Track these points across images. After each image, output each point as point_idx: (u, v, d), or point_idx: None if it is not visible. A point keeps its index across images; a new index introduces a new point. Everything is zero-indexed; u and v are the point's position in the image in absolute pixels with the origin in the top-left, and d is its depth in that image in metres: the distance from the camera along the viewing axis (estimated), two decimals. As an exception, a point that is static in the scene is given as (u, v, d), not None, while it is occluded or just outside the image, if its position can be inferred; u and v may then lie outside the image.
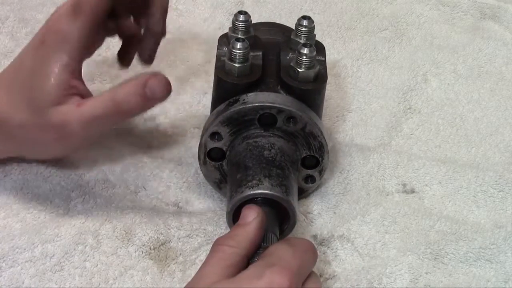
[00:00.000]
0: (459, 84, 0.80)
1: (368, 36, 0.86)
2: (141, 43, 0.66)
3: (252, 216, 0.54)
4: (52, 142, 0.59)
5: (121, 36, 0.68)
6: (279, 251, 0.52)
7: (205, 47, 0.81)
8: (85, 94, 0.59)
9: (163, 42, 0.83)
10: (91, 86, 0.76)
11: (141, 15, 0.65)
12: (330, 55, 0.82)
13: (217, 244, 0.53)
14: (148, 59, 0.67)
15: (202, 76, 0.78)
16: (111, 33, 0.67)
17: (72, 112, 0.57)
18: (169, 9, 0.87)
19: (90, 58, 0.79)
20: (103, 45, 0.81)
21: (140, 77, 0.57)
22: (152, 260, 0.60)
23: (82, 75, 0.77)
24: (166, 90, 0.57)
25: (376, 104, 0.77)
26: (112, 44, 0.81)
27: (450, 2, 0.91)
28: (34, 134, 0.58)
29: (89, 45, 0.61)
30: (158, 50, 0.81)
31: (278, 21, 0.72)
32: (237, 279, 0.50)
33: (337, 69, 0.81)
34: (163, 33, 0.66)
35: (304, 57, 0.60)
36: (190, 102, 0.75)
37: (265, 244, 0.54)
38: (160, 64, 0.79)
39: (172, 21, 0.85)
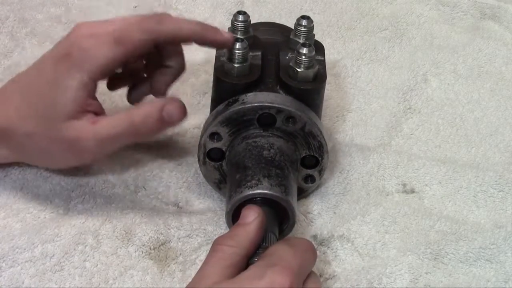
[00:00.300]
0: (459, 84, 0.80)
1: (368, 36, 0.86)
2: (157, 76, 0.64)
3: (252, 216, 0.54)
4: (62, 154, 0.59)
5: (129, 75, 0.66)
6: (280, 251, 0.52)
7: (205, 47, 0.81)
8: (99, 112, 0.59)
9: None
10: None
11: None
12: (330, 55, 0.82)
13: (217, 243, 0.53)
14: (163, 92, 0.64)
15: (202, 76, 0.78)
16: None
17: (87, 128, 0.57)
18: (169, 9, 0.88)
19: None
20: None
21: (158, 101, 0.59)
22: (152, 260, 0.60)
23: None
24: (182, 114, 0.59)
25: (376, 104, 0.77)
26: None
27: (450, 2, 0.91)
28: (42, 145, 0.58)
29: (111, 73, 0.61)
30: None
31: (278, 21, 0.72)
32: (238, 279, 0.50)
33: (337, 69, 0.81)
34: (183, 68, 0.65)
35: (303, 57, 0.60)
36: (190, 102, 0.75)
37: (264, 244, 0.54)
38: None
39: (172, 21, 0.85)
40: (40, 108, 0.57)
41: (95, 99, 0.59)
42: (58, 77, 0.57)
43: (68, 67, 0.57)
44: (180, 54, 0.63)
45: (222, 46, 0.61)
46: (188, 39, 0.60)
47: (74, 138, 0.57)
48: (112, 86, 0.66)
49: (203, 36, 0.59)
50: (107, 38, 0.56)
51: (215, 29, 0.60)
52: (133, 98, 0.66)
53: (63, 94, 0.56)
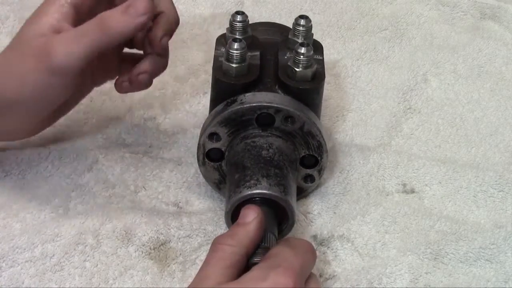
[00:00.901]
0: (459, 84, 0.80)
1: (368, 36, 0.86)
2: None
3: (251, 216, 0.54)
4: (35, 76, 0.57)
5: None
6: (282, 252, 0.52)
7: (205, 47, 0.81)
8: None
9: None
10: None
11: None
12: (330, 55, 0.82)
13: (217, 243, 0.53)
14: (159, 38, 0.62)
15: (202, 76, 0.78)
16: None
17: (55, 37, 0.57)
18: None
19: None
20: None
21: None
22: (152, 260, 0.60)
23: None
24: (148, 7, 0.57)
25: (376, 104, 0.77)
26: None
27: (450, 2, 0.91)
28: (15, 66, 0.58)
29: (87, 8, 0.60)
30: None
31: (278, 21, 0.72)
32: (242, 281, 0.50)
33: (337, 69, 0.81)
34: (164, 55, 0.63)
35: (302, 56, 0.60)
36: (190, 102, 0.75)
37: (264, 244, 0.54)
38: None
39: (172, 21, 0.85)
40: (21, 33, 0.59)
41: (72, 25, 0.58)
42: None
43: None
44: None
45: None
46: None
47: (43, 44, 0.57)
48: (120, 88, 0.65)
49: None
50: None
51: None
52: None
53: (40, 15, 0.58)
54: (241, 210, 0.55)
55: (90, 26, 0.57)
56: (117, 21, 0.57)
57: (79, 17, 0.59)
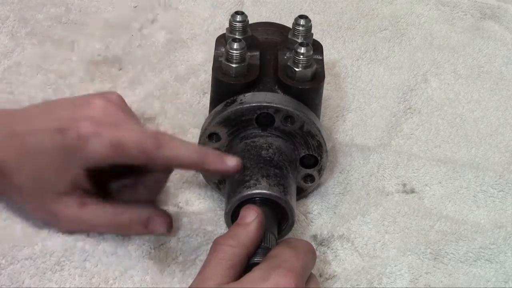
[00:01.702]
0: (459, 84, 0.80)
1: (368, 36, 0.86)
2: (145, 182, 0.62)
3: (252, 217, 0.54)
4: (41, 217, 0.60)
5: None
6: (283, 253, 0.52)
7: (205, 47, 0.81)
8: (89, 190, 0.59)
9: (163, 42, 0.83)
10: (91, 86, 0.76)
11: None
12: (330, 55, 0.82)
13: (217, 243, 0.53)
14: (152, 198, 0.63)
15: (202, 76, 0.78)
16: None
17: (73, 210, 0.58)
18: (169, 9, 0.88)
19: (90, 58, 0.80)
20: (102, 45, 0.82)
21: (146, 210, 0.60)
22: (152, 260, 0.60)
23: (82, 74, 0.77)
24: (167, 230, 0.60)
25: (376, 104, 0.77)
26: (112, 44, 0.82)
27: (450, 2, 0.91)
28: (28, 202, 0.59)
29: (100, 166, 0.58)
30: (158, 51, 0.82)
31: (278, 21, 0.72)
32: (243, 281, 0.50)
33: (337, 69, 0.81)
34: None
35: (301, 56, 0.60)
36: (190, 102, 0.75)
37: (264, 244, 0.54)
38: (160, 64, 0.79)
39: (172, 21, 0.85)
40: (33, 171, 0.57)
41: (84, 182, 0.58)
42: (53, 152, 0.56)
43: (64, 149, 0.56)
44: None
45: (225, 176, 0.60)
46: (185, 168, 0.60)
47: (56, 213, 0.58)
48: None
49: (202, 166, 0.57)
50: (107, 142, 0.55)
51: (216, 158, 0.56)
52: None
53: (54, 170, 0.57)
54: (241, 210, 0.55)
55: (104, 215, 0.59)
56: (131, 229, 0.60)
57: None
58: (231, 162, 0.56)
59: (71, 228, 0.60)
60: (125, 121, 0.58)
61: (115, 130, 0.56)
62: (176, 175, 0.67)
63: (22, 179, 0.57)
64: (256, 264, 0.52)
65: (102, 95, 0.59)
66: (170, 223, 0.60)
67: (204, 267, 0.52)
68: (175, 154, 0.56)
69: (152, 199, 0.62)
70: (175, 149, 0.56)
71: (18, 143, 0.57)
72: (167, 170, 0.60)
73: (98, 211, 0.59)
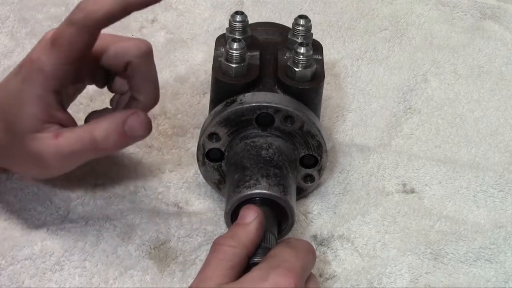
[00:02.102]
0: (459, 84, 0.80)
1: (368, 36, 0.86)
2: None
3: (251, 217, 0.54)
4: (30, 166, 0.57)
5: (112, 92, 0.64)
6: (282, 253, 0.52)
7: (205, 47, 0.81)
8: (65, 122, 0.56)
9: (163, 42, 0.83)
10: (91, 86, 0.76)
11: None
12: (330, 55, 0.82)
13: (217, 244, 0.53)
14: None
15: (202, 76, 0.78)
16: (97, 83, 0.63)
17: (48, 143, 0.55)
18: (169, 9, 0.88)
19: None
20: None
21: (120, 114, 0.56)
22: (152, 260, 0.60)
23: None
24: (146, 129, 0.56)
25: (376, 104, 0.77)
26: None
27: (450, 2, 0.91)
28: (12, 155, 0.57)
29: (66, 82, 0.56)
30: (158, 51, 0.82)
31: (278, 21, 0.72)
32: (242, 281, 0.50)
33: (337, 69, 0.81)
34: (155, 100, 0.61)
35: (301, 56, 0.60)
36: (190, 102, 0.75)
37: (264, 244, 0.54)
38: (160, 64, 0.79)
39: (172, 21, 0.86)
40: (6, 121, 0.56)
41: (60, 109, 0.56)
42: (15, 93, 0.55)
43: (21, 82, 0.55)
44: (151, 85, 0.60)
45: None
46: (116, 14, 0.54)
47: (37, 152, 0.55)
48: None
49: (127, 3, 0.54)
50: (44, 43, 0.54)
51: None
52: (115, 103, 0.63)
53: (22, 109, 0.55)
54: (241, 210, 0.55)
55: (81, 138, 0.55)
56: (110, 140, 0.55)
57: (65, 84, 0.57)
58: None
59: (59, 165, 0.56)
60: None
61: (52, 31, 0.55)
62: (176, 175, 0.67)
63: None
64: (256, 264, 0.52)
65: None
66: (148, 121, 0.56)
67: (204, 267, 0.52)
68: (97, 5, 0.53)
69: (153, 103, 0.60)
70: (95, 1, 0.53)
71: None
72: (147, 85, 0.59)
73: (73, 136, 0.55)
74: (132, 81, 0.59)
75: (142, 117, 0.56)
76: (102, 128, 0.55)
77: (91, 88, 0.78)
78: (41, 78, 0.54)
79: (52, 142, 0.55)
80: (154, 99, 0.60)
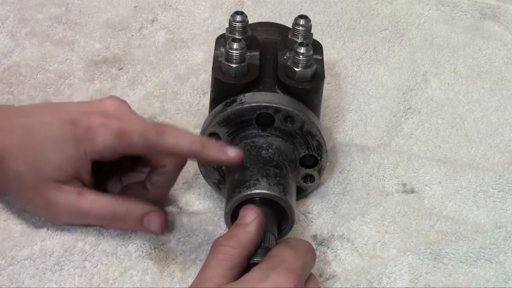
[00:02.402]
0: (459, 84, 0.80)
1: (368, 36, 0.86)
2: (153, 177, 0.62)
3: (251, 217, 0.54)
4: (38, 206, 0.60)
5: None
6: (282, 253, 0.52)
7: (205, 47, 0.81)
8: (86, 183, 0.59)
9: (163, 42, 0.83)
10: (91, 86, 0.76)
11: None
12: (330, 55, 0.82)
13: (218, 244, 0.53)
14: (163, 195, 0.64)
15: (202, 76, 0.78)
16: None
17: (70, 198, 0.58)
18: (169, 9, 0.88)
19: (90, 58, 0.80)
20: (102, 45, 0.82)
21: (144, 206, 0.60)
22: (152, 260, 0.60)
23: (82, 74, 0.77)
24: (161, 229, 0.60)
25: (376, 104, 0.77)
26: (112, 44, 0.82)
27: (450, 2, 0.91)
28: (26, 190, 0.59)
29: (104, 158, 0.59)
30: (158, 51, 0.82)
31: (278, 21, 0.72)
32: (242, 281, 0.50)
33: (337, 69, 0.81)
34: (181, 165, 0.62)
35: (301, 56, 0.60)
36: (190, 102, 0.75)
37: (264, 244, 0.54)
38: (160, 64, 0.79)
39: (172, 21, 0.85)
40: (37, 158, 0.58)
41: (86, 174, 0.59)
42: (61, 141, 0.57)
43: (73, 138, 0.57)
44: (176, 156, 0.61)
45: (226, 165, 0.60)
46: (186, 155, 0.59)
47: (54, 200, 0.58)
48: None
49: (202, 154, 0.56)
50: (111, 131, 0.57)
51: (217, 147, 0.56)
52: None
53: (60, 157, 0.57)
54: (240, 210, 0.55)
55: (103, 206, 0.59)
56: (126, 222, 0.60)
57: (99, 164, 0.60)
58: (232, 152, 0.56)
59: (68, 219, 0.60)
60: (132, 116, 0.60)
61: (122, 121, 0.58)
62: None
63: (22, 166, 0.57)
64: (256, 264, 0.52)
65: (114, 97, 0.62)
66: (165, 223, 0.60)
67: (204, 267, 0.52)
68: (175, 141, 0.56)
69: (161, 199, 0.63)
70: (176, 136, 0.56)
71: (23, 132, 0.58)
72: (175, 166, 0.60)
73: (96, 200, 0.59)
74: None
75: (162, 217, 0.60)
76: (125, 209, 0.60)
77: (92, 88, 0.78)
78: (92, 148, 0.57)
79: (73, 198, 0.58)
80: (181, 162, 0.61)
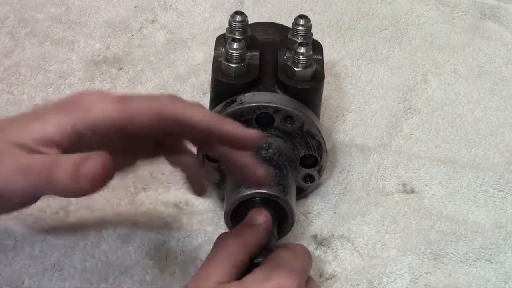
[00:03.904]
0: (459, 84, 0.80)
1: (368, 36, 0.86)
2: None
3: (261, 220, 0.54)
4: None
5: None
6: (283, 254, 0.52)
7: (205, 47, 0.81)
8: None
9: (163, 42, 0.83)
10: (91, 86, 0.77)
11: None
12: (330, 55, 0.82)
13: (223, 239, 0.53)
14: (199, 191, 0.57)
15: (202, 76, 0.78)
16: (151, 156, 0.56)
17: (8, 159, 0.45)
18: (169, 9, 0.88)
19: (90, 58, 0.80)
20: (102, 45, 0.82)
21: (81, 156, 0.45)
22: (152, 260, 0.60)
23: (82, 74, 0.78)
24: (101, 179, 0.45)
25: (376, 104, 0.77)
26: (112, 44, 0.82)
27: (450, 2, 0.91)
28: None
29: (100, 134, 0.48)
30: (158, 51, 0.82)
31: (278, 21, 0.72)
32: (245, 281, 0.50)
33: (337, 69, 0.81)
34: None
35: (301, 56, 0.60)
36: (190, 102, 0.75)
37: (266, 245, 0.54)
38: (160, 64, 0.79)
39: (172, 21, 0.86)
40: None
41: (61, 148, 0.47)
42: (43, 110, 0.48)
43: (58, 108, 0.48)
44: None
45: (246, 144, 0.50)
46: (201, 131, 0.49)
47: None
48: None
49: (220, 129, 0.48)
50: (111, 97, 0.48)
51: (236, 124, 0.49)
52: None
53: (38, 124, 0.47)
54: (250, 211, 0.55)
55: (38, 168, 0.45)
56: (62, 180, 0.44)
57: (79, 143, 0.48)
58: (252, 131, 0.50)
59: (4, 183, 0.45)
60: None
61: (120, 93, 0.49)
62: (176, 176, 0.67)
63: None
64: (258, 264, 0.52)
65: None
66: (110, 167, 0.45)
67: (206, 263, 0.52)
68: (190, 115, 0.48)
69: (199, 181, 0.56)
70: (191, 110, 0.48)
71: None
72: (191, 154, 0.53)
73: (33, 161, 0.45)
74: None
75: (104, 160, 0.44)
76: (59, 164, 0.45)
77: (92, 88, 0.78)
78: (82, 116, 0.47)
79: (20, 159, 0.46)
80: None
